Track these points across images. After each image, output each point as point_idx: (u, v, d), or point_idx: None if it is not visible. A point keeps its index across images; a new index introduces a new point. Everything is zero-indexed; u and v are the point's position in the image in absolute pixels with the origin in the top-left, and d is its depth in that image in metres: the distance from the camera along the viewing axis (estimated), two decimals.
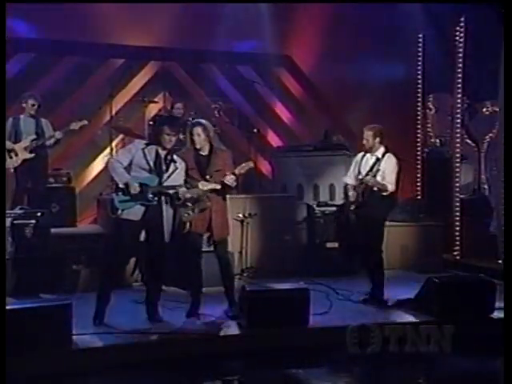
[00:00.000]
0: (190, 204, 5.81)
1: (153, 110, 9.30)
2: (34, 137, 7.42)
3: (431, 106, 9.72)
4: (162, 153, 5.69)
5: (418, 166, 9.47)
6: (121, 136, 9.23)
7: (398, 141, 9.48)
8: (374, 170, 6.34)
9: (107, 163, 5.65)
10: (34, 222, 6.94)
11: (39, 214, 7.02)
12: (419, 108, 9.56)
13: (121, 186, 5.59)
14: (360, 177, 6.48)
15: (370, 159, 6.49)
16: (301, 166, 8.99)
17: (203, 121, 6.08)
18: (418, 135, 9.57)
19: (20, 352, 4.82)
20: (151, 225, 5.65)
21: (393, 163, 6.43)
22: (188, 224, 5.92)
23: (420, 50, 9.47)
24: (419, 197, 9.40)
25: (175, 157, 5.76)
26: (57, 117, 8.59)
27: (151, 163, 5.64)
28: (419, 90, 9.52)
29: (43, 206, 7.37)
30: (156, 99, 9.32)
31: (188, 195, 5.71)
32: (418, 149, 9.54)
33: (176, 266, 6.64)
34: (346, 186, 6.73)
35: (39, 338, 4.93)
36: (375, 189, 6.33)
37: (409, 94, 9.57)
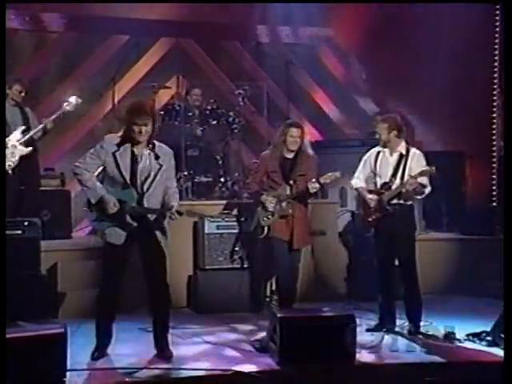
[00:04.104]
0: (268, 208, 6.59)
1: (164, 96, 9.32)
2: (24, 127, 7.47)
3: None
4: (140, 151, 5.45)
5: (494, 165, 9.35)
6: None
7: (469, 134, 9.42)
8: (400, 169, 6.29)
9: (72, 170, 5.54)
10: (20, 232, 6.98)
11: (27, 223, 7.04)
12: (496, 92, 9.42)
13: (93, 202, 5.46)
14: (379, 180, 6.39)
15: (389, 157, 6.41)
16: (344, 165, 8.94)
17: (298, 121, 6.82)
18: (494, 127, 9.43)
19: None
20: (143, 243, 5.56)
21: (423, 160, 6.37)
22: (266, 229, 6.63)
23: (498, 19, 9.34)
24: (495, 204, 9.27)
25: (157, 149, 5.49)
26: (49, 104, 8.67)
27: (126, 174, 5.43)
28: (496, 70, 9.37)
29: (31, 213, 7.40)
30: (168, 84, 9.34)
31: (270, 199, 6.55)
32: (494, 143, 9.40)
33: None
34: (358, 191, 6.64)
35: (26, 374, 4.89)
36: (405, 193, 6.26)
37: (482, 76, 9.44)
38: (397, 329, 6.53)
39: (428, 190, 6.37)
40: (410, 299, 6.47)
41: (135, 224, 5.47)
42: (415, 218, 6.65)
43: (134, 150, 5.47)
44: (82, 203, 5.61)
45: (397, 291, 6.63)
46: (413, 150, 6.40)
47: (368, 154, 6.58)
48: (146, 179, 5.47)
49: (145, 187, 5.47)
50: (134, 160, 5.47)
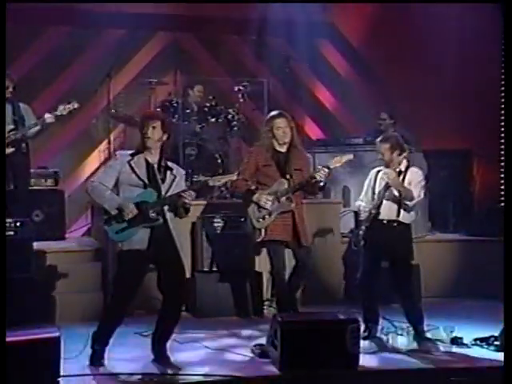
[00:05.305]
0: (264, 207, 6.27)
1: (161, 93, 9.32)
2: (12, 127, 7.46)
3: None
4: (154, 160, 5.64)
5: (502, 164, 9.29)
6: (121, 126, 9.27)
7: (476, 133, 9.38)
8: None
9: (86, 188, 5.67)
10: (11, 234, 6.98)
11: (18, 224, 7.04)
12: (503, 81, 9.25)
13: (112, 212, 5.55)
14: (376, 197, 6.35)
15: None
16: (347, 163, 8.93)
17: (282, 111, 6.56)
18: (502, 125, 9.36)
19: None
20: (162, 249, 5.63)
21: (420, 175, 6.36)
22: (263, 231, 6.29)
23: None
24: (502, 204, 9.25)
25: (169, 163, 5.75)
26: (41, 102, 8.67)
27: (144, 177, 5.59)
28: (503, 54, 9.26)
29: (23, 213, 7.39)
30: (165, 80, 9.34)
31: (265, 197, 6.29)
32: (502, 140, 9.32)
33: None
34: (358, 211, 6.58)
35: (19, 379, 4.89)
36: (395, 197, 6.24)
37: (490, 72, 9.40)
38: (402, 333, 6.53)
39: (416, 193, 6.22)
40: (407, 305, 6.37)
41: (160, 220, 5.56)
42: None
43: (148, 158, 5.64)
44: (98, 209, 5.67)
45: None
46: (411, 168, 6.36)
47: (369, 176, 6.54)
48: (162, 183, 5.63)
49: (163, 188, 5.61)
50: (150, 167, 5.63)
